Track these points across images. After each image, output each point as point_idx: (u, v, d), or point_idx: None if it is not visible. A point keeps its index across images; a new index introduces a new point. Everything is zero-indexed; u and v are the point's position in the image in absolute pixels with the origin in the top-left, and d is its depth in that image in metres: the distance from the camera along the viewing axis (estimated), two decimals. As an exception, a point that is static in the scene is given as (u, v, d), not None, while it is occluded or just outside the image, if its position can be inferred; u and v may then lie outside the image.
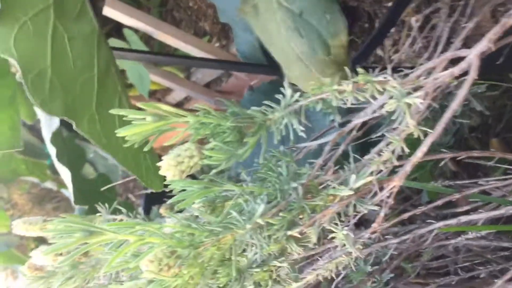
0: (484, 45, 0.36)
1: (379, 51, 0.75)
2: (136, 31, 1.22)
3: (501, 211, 0.50)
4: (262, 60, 0.99)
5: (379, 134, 0.43)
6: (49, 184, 1.64)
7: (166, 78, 1.42)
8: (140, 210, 1.38)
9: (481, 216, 0.51)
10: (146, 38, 1.38)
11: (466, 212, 0.72)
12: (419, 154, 0.38)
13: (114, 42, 1.22)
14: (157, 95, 1.59)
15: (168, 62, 1.12)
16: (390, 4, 0.71)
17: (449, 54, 0.37)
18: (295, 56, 0.46)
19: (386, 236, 0.56)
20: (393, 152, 0.37)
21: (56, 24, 0.36)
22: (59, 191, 1.78)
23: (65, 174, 0.67)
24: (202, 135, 0.36)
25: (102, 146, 0.38)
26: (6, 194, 2.23)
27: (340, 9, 0.42)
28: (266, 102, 0.38)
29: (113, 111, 0.32)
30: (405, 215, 0.53)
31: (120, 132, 0.31)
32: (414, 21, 0.60)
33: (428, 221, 0.54)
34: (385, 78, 0.35)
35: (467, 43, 0.66)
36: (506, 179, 0.53)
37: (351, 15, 0.78)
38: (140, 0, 1.45)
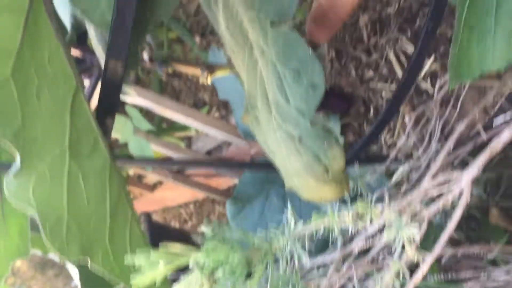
0: (474, 171, 0.38)
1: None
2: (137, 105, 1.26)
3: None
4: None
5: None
6: (51, 255, 1.64)
7: (167, 147, 1.45)
8: None
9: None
10: (148, 111, 1.42)
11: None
12: (419, 275, 0.39)
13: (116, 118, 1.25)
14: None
15: (173, 164, 1.15)
16: (383, 91, 0.74)
17: (442, 179, 0.39)
18: (295, 169, 0.48)
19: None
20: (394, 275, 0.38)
21: (71, 165, 0.39)
22: (61, 259, 1.77)
23: (73, 270, 0.68)
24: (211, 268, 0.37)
25: (116, 276, 0.40)
26: (7, 261, 2.21)
27: (338, 138, 0.44)
28: (272, 229, 0.39)
29: (127, 261, 0.33)
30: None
31: (134, 281, 0.32)
32: (408, 119, 0.62)
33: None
34: (382, 209, 0.36)
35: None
36: (508, 273, 0.54)
37: (347, 100, 0.81)
38: (140, 75, 1.50)
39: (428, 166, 0.57)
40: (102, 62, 0.56)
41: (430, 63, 0.66)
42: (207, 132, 1.31)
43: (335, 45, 0.80)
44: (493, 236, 0.79)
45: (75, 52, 0.65)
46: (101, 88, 0.52)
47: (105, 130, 0.52)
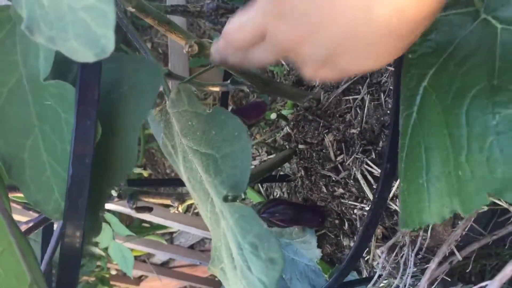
0: None
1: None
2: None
3: None
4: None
5: None
6: None
7: (150, 246, 1.42)
8: None
9: None
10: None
11: None
12: None
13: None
14: (142, 257, 1.58)
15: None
16: (355, 209, 0.74)
17: None
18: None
19: None
20: None
21: None
22: None
23: None
24: None
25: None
26: None
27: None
28: None
29: None
30: None
31: None
32: (380, 252, 0.62)
33: None
34: None
35: (433, 251, 0.68)
36: None
37: (321, 214, 0.81)
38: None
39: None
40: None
41: (397, 185, 0.67)
42: (187, 230, 1.29)
43: (302, 164, 0.80)
44: None
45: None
46: (59, 263, 0.51)
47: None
